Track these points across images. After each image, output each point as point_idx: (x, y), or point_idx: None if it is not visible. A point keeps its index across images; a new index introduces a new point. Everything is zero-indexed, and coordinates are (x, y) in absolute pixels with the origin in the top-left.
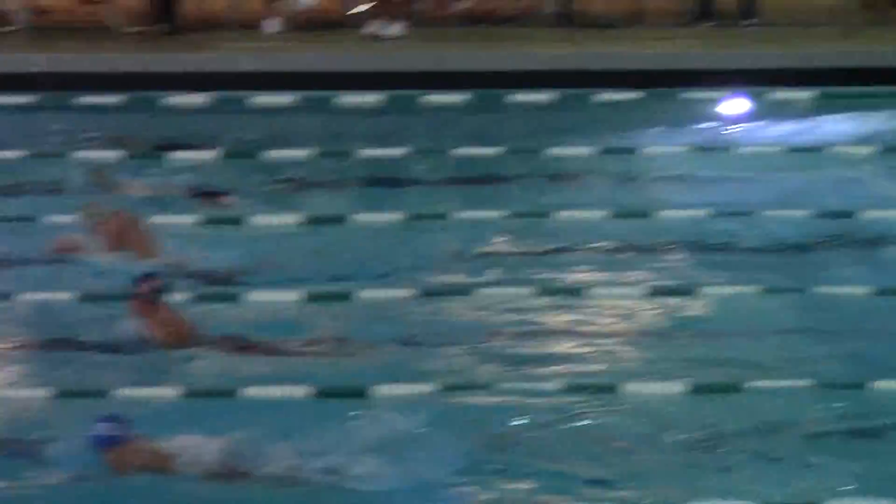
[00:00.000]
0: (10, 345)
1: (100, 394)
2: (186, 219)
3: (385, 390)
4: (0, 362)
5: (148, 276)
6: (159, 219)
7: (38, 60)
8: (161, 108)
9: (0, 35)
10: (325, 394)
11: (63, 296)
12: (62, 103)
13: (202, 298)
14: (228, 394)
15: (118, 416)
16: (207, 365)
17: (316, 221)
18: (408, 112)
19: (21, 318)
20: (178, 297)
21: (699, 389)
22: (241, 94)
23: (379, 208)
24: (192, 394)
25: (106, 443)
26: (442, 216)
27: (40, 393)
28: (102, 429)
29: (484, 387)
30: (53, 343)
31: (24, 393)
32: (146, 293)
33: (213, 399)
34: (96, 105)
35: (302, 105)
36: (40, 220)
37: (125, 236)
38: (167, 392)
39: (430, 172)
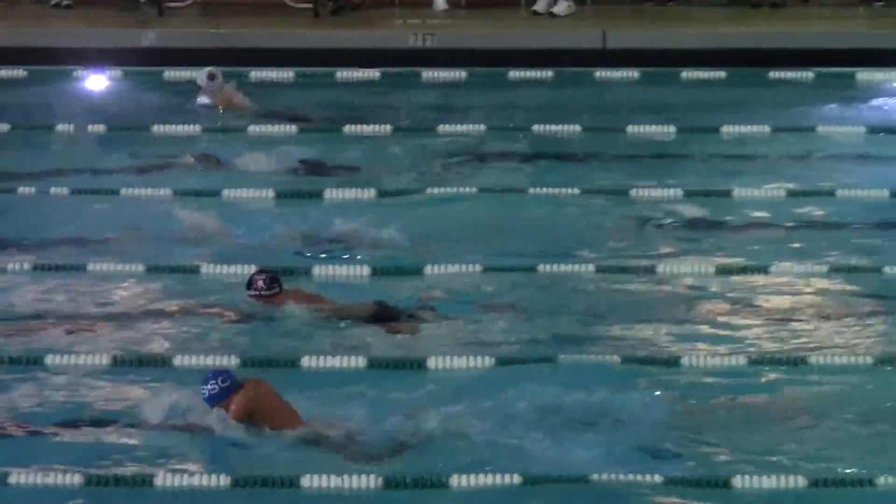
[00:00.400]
0: None
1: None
2: (360, 193)
3: (568, 359)
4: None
5: (257, 275)
6: (330, 194)
7: (210, 36)
8: (333, 83)
9: (171, 10)
10: (508, 361)
11: None
12: (235, 79)
13: (381, 272)
14: (415, 365)
15: (223, 372)
16: (386, 339)
17: (491, 195)
18: (577, 89)
19: None
20: (356, 270)
21: (884, 361)
22: (411, 69)
23: (554, 183)
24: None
25: (217, 398)
26: (617, 192)
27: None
28: (210, 387)
29: (666, 362)
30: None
31: None
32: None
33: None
34: (269, 80)
35: (472, 81)
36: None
37: None
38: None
39: (603, 148)
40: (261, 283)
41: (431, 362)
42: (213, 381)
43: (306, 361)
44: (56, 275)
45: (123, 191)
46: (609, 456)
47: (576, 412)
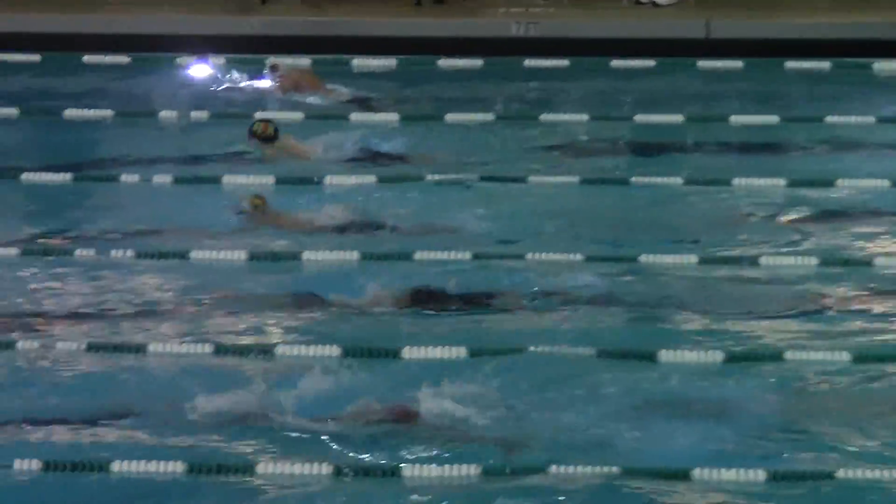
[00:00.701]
0: None
1: None
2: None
3: (670, 356)
4: None
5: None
6: (431, 180)
7: (312, 24)
8: (433, 72)
9: None
10: (607, 353)
11: None
12: (338, 67)
13: (482, 257)
14: (514, 352)
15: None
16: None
17: (592, 185)
18: (680, 78)
19: None
20: (457, 255)
21: None
22: (513, 58)
23: (656, 173)
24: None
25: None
26: (721, 182)
27: None
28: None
29: (769, 356)
30: None
31: None
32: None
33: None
34: (369, 69)
35: (574, 70)
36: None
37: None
38: None
39: (706, 138)
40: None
41: (532, 349)
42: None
43: (407, 353)
44: (159, 263)
45: (226, 178)
46: (710, 450)
47: (676, 405)
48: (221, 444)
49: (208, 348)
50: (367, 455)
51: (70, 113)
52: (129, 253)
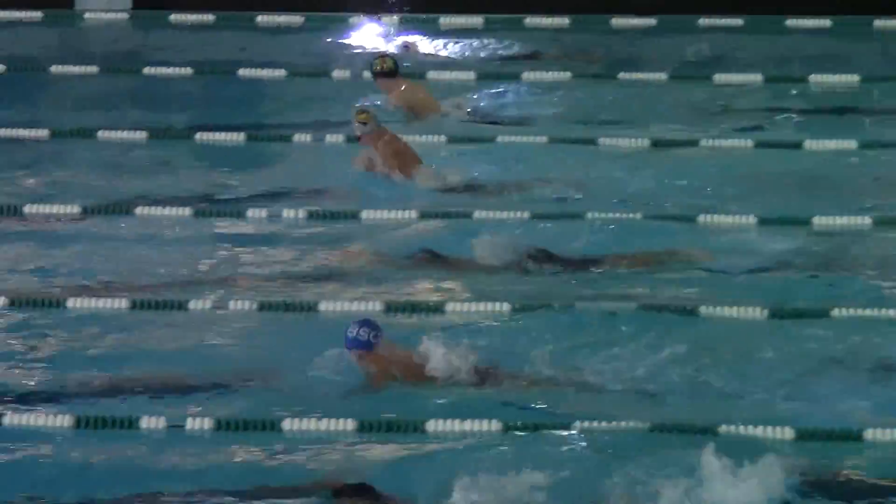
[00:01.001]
0: None
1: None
2: (633, 143)
3: (843, 312)
4: None
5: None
6: (604, 141)
7: None
8: (608, 30)
9: None
10: (781, 313)
11: None
12: (511, 25)
13: (652, 218)
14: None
15: (372, 323)
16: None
17: (767, 148)
18: (857, 38)
19: None
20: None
21: None
22: (687, 16)
23: (830, 136)
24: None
25: (357, 345)
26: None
27: None
28: (357, 333)
29: None
30: None
31: None
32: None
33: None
34: (541, 26)
35: (749, 28)
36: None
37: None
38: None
39: (883, 100)
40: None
41: (703, 310)
42: (365, 329)
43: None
44: (326, 222)
45: (500, 137)
46: (884, 410)
47: (852, 365)
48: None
49: (379, 306)
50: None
51: (244, 72)
52: (301, 213)
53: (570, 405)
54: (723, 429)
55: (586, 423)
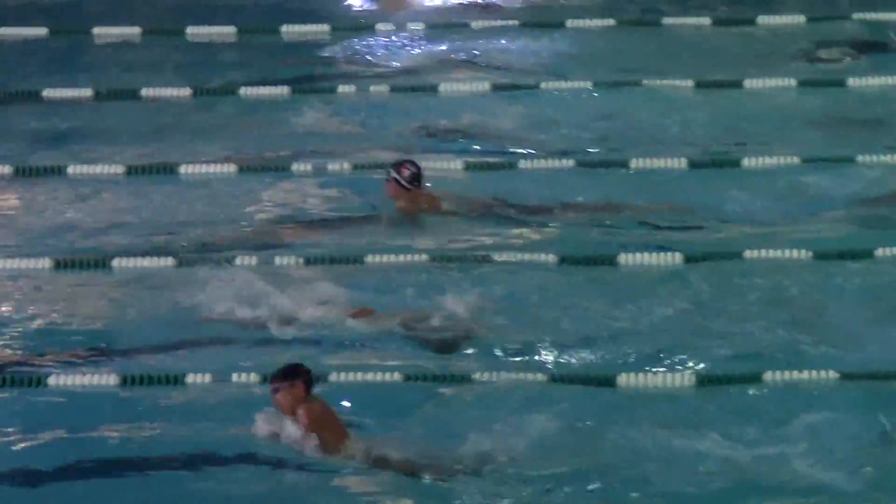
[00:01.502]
0: None
1: None
2: (677, 84)
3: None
4: None
5: (406, 162)
6: (648, 84)
7: None
8: None
9: None
10: (824, 255)
11: None
12: None
13: (697, 166)
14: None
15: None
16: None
17: (809, 87)
18: None
19: None
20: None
21: None
22: None
23: (872, 73)
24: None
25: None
26: None
27: None
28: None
29: None
30: None
31: None
32: (406, 177)
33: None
34: None
35: None
36: None
37: None
38: None
39: None
40: (406, 173)
41: (747, 254)
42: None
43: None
44: (374, 174)
45: (442, 87)
46: None
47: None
48: None
49: (425, 257)
50: None
51: (287, 29)
52: (346, 165)
53: (607, 354)
54: (767, 375)
55: (629, 375)
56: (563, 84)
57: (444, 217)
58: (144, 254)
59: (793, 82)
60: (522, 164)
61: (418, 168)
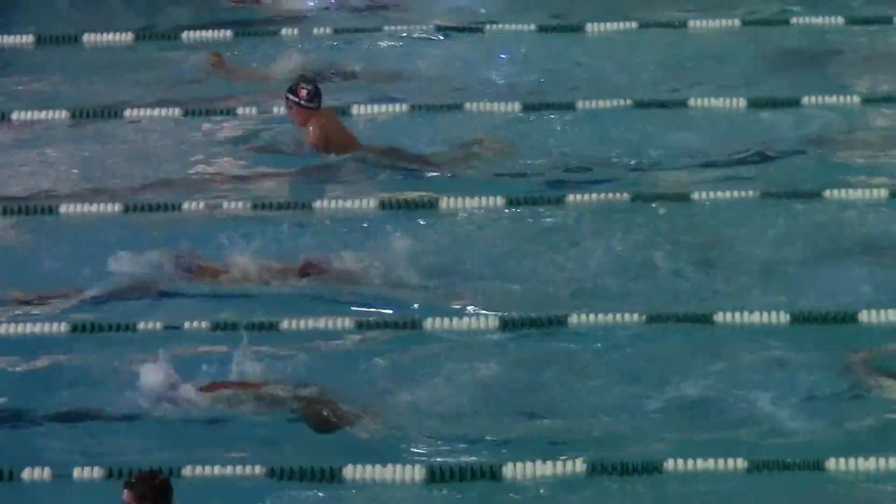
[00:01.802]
0: None
1: None
2: (619, 26)
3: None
4: None
5: (299, 83)
6: (592, 28)
7: None
8: None
9: None
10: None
11: None
12: None
13: (641, 106)
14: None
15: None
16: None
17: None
18: None
19: None
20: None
21: None
22: None
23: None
24: None
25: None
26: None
27: None
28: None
29: None
30: None
31: None
32: (304, 97)
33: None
34: None
35: None
36: None
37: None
38: None
39: None
40: (304, 92)
41: (695, 196)
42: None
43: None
44: None
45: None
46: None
47: (844, 246)
48: None
49: (374, 203)
50: None
51: None
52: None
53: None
54: (718, 317)
55: (581, 317)
56: (507, 27)
57: (387, 160)
58: (90, 200)
59: (737, 23)
60: (467, 106)
61: (315, 86)
